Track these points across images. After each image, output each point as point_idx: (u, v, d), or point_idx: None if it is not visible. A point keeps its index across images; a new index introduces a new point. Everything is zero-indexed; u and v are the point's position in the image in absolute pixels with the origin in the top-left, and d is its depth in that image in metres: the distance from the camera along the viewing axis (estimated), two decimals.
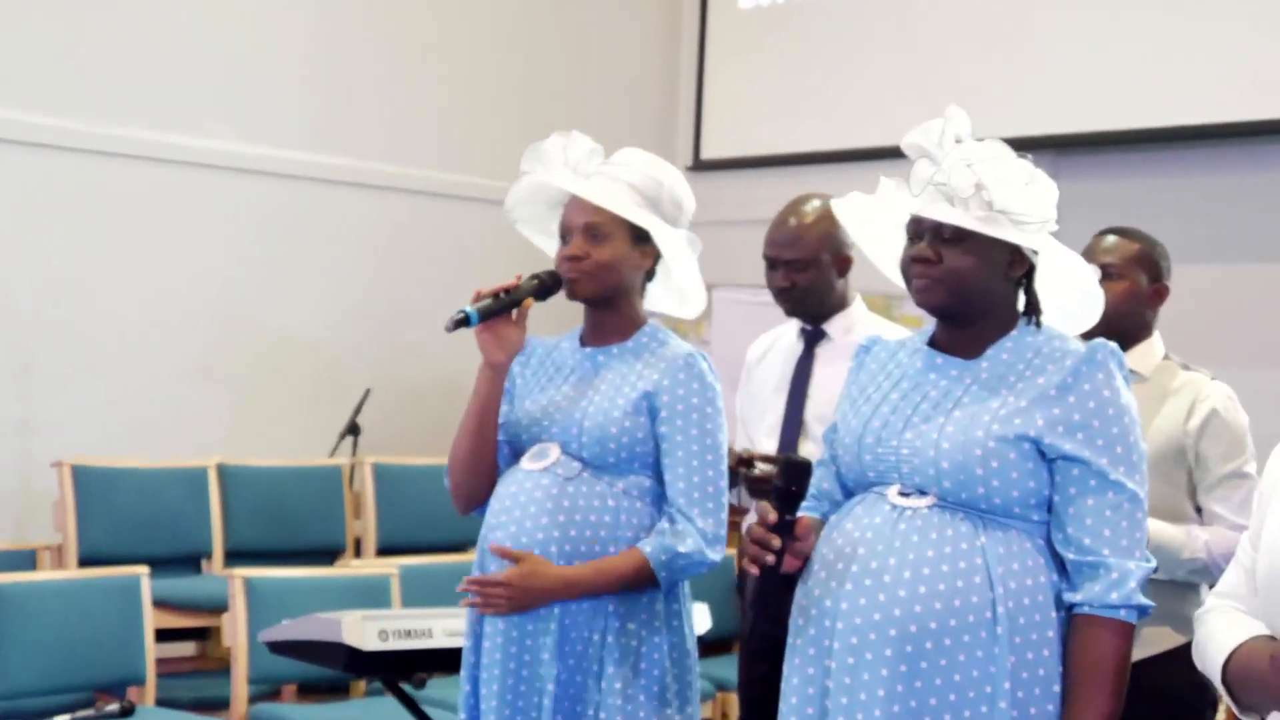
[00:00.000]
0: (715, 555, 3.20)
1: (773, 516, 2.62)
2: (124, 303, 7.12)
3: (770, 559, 2.61)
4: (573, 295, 3.29)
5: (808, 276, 4.02)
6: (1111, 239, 3.70)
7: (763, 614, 2.66)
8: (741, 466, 3.93)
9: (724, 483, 3.24)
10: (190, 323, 7.31)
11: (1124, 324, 3.61)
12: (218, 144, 7.38)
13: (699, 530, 3.19)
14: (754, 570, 2.63)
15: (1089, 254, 3.66)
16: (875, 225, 2.84)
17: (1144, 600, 2.59)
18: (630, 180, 3.26)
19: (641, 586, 3.20)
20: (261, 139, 7.53)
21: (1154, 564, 2.62)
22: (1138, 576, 2.58)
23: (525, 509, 3.23)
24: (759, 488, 3.90)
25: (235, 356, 7.45)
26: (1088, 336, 3.32)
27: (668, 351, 3.28)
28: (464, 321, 3.16)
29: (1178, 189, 6.92)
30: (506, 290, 3.23)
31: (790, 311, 4.08)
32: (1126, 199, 6.93)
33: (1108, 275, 3.60)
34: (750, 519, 3.94)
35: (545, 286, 3.26)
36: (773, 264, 4.06)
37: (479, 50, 8.27)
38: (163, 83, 7.22)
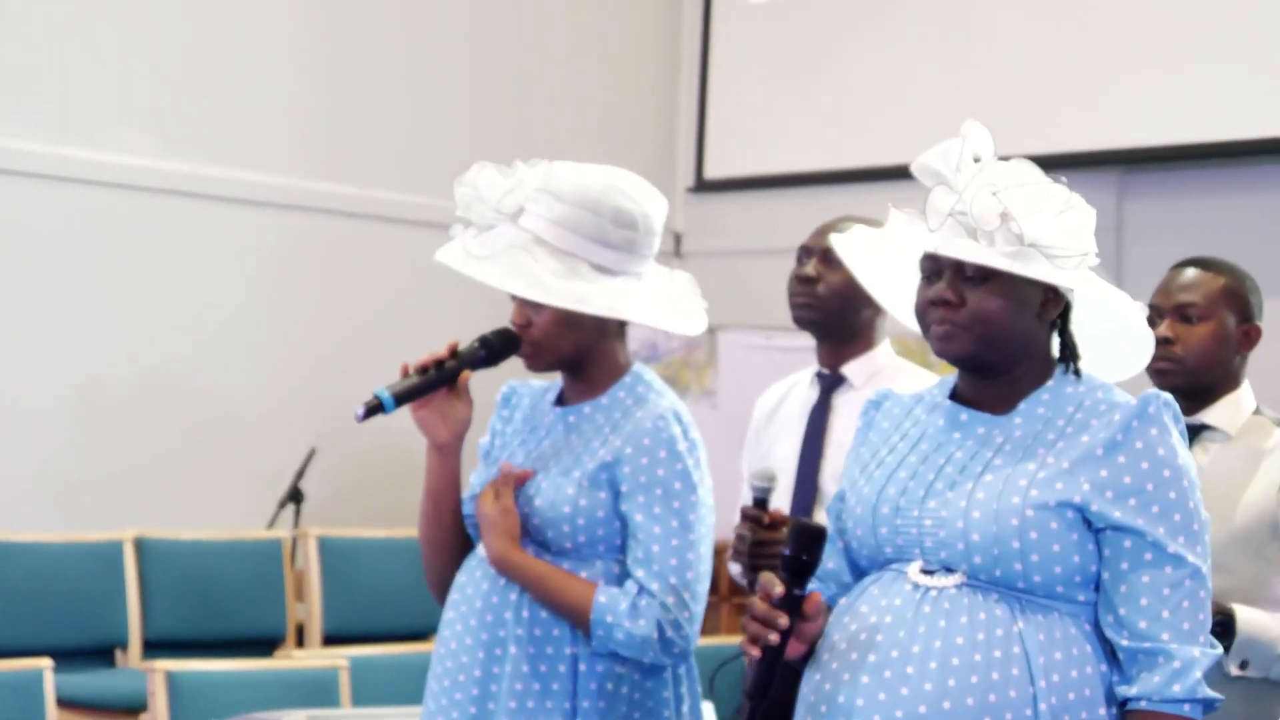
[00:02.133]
0: (667, 656, 3.18)
1: (779, 590, 2.62)
2: (21, 347, 7.12)
3: (774, 639, 2.61)
4: (531, 368, 3.31)
5: (841, 276, 3.85)
6: (1191, 273, 3.66)
7: (760, 706, 2.66)
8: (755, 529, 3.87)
9: (693, 574, 3.21)
10: (101, 370, 7.32)
11: (1208, 374, 3.59)
12: (134, 160, 7.40)
13: (660, 620, 3.17)
14: (754, 652, 2.63)
15: (1164, 290, 3.65)
16: (886, 261, 2.85)
17: (1210, 693, 2.59)
18: (557, 218, 3.23)
19: (571, 622, 3.20)
20: (187, 154, 7.55)
21: (1220, 651, 2.62)
22: (1203, 665, 2.58)
23: (471, 604, 3.25)
24: (764, 560, 3.84)
25: (155, 410, 7.45)
26: (1170, 388, 3.31)
27: (637, 414, 3.26)
28: (377, 408, 3.16)
29: (1265, 210, 6.94)
30: (440, 362, 3.24)
31: (803, 315, 4.01)
32: (1205, 222, 6.95)
33: (1187, 317, 3.59)
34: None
35: (493, 352, 3.27)
36: (805, 253, 4.01)
37: (449, 56, 8.31)
38: (66, 86, 7.24)
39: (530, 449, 3.33)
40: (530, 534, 3.25)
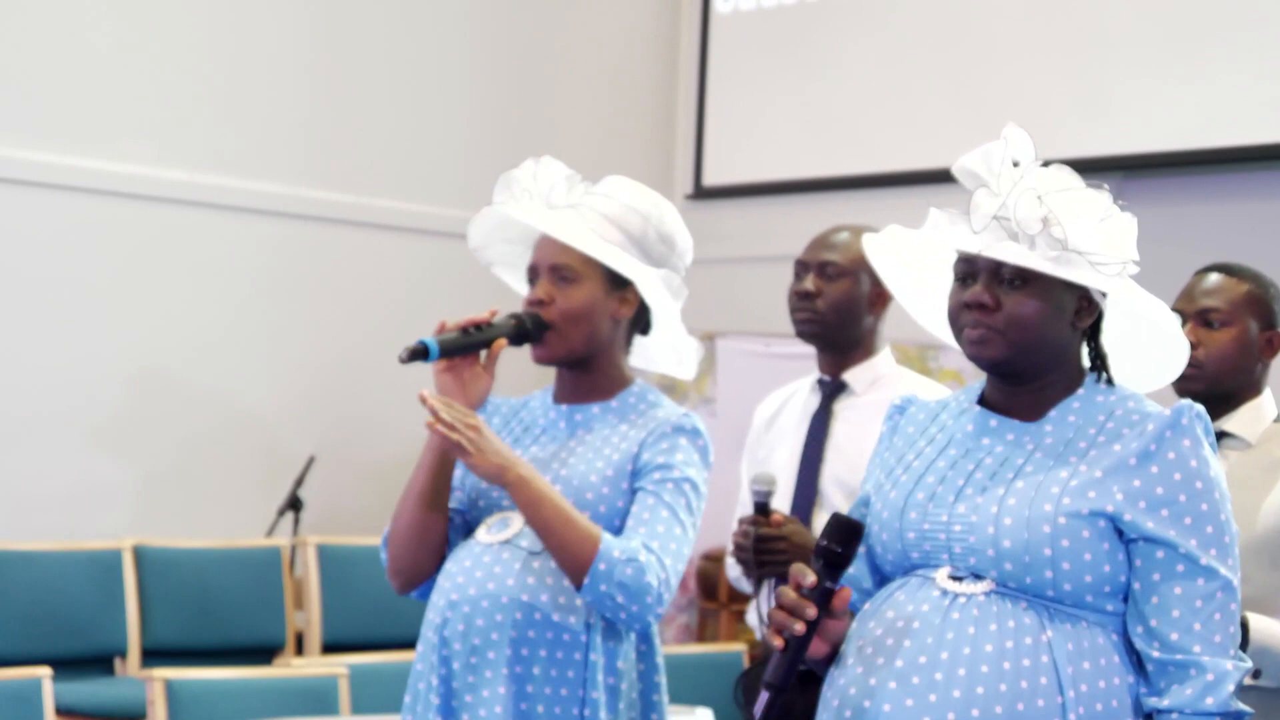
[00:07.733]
0: (650, 614, 3.19)
1: (811, 580, 2.60)
2: (20, 357, 7.12)
3: (800, 628, 2.58)
4: (540, 357, 3.31)
5: (839, 288, 4.01)
6: (1215, 278, 3.63)
7: (780, 697, 2.60)
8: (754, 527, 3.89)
9: (681, 563, 3.24)
10: (101, 379, 7.31)
11: (1230, 380, 3.57)
12: (134, 168, 7.40)
13: (657, 575, 3.18)
14: (778, 642, 2.60)
15: (1187, 295, 3.62)
16: (914, 265, 2.84)
17: (1241, 707, 2.58)
18: (607, 212, 3.28)
19: (568, 565, 3.17)
20: (185, 162, 7.55)
21: (1250, 665, 2.62)
22: (1235, 678, 2.57)
23: (482, 586, 3.22)
24: (768, 555, 3.86)
25: (154, 419, 7.44)
26: (1191, 394, 3.30)
27: (658, 413, 3.31)
28: (421, 353, 3.19)
29: (1264, 217, 6.93)
30: (477, 325, 3.26)
31: (805, 329, 4.07)
32: (1204, 229, 6.95)
33: (1209, 322, 3.56)
34: (756, 606, 3.93)
35: (523, 329, 3.28)
36: (803, 268, 4.07)
37: (448, 64, 8.31)
38: (67, 96, 7.24)
39: (526, 445, 3.34)
40: None
